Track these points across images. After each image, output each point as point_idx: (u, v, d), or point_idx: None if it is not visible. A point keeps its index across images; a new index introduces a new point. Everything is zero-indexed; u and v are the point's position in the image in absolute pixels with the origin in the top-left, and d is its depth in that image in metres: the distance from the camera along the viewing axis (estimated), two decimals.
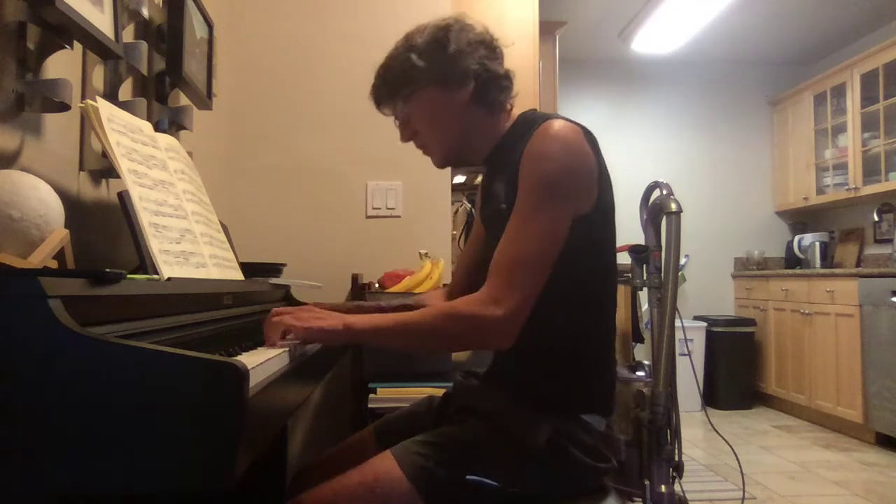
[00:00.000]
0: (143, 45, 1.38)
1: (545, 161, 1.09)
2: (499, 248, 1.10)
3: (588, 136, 1.14)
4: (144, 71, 1.44)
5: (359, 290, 2.25)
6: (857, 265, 4.65)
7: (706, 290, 5.17)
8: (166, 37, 1.55)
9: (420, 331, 1.08)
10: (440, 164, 1.29)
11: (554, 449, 1.08)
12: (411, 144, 1.29)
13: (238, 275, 1.43)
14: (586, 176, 1.12)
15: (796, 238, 5.05)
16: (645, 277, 1.53)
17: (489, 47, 1.21)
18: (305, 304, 1.74)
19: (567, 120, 1.14)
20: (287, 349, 0.97)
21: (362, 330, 1.08)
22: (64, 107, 1.10)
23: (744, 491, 2.86)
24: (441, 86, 1.18)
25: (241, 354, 0.91)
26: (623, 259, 1.52)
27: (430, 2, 2.47)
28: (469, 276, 1.38)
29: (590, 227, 1.13)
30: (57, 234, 0.96)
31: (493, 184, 1.24)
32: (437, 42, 1.18)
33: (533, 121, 1.16)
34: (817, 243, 4.87)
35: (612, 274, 1.21)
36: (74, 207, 1.19)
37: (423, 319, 1.08)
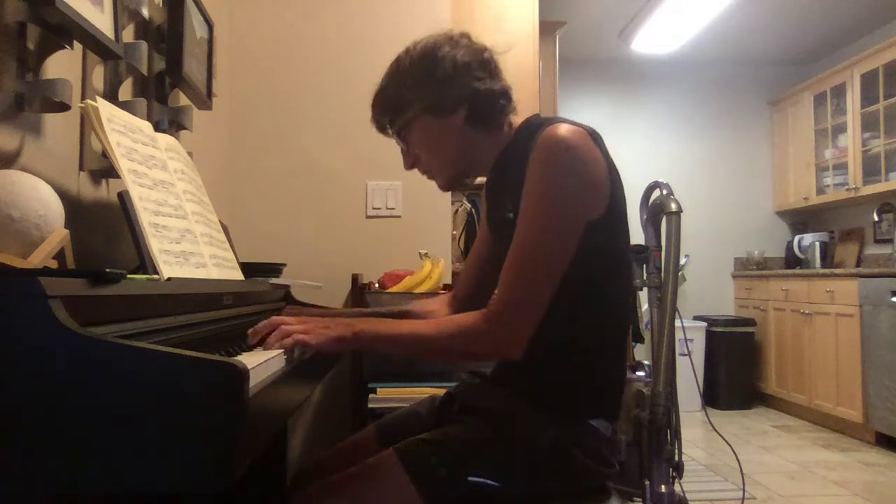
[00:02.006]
0: (143, 45, 1.38)
1: (551, 170, 1.07)
2: (508, 259, 1.08)
3: (594, 137, 1.12)
4: (144, 71, 1.43)
5: (359, 290, 2.24)
6: (857, 265, 4.65)
7: (706, 290, 5.17)
8: (166, 37, 1.55)
9: (430, 343, 1.08)
10: (444, 188, 1.29)
11: (558, 452, 1.08)
12: None
13: (238, 275, 1.43)
14: (596, 182, 1.10)
15: (796, 238, 5.05)
16: (645, 277, 1.53)
17: (481, 65, 1.17)
18: (303, 304, 1.74)
19: (571, 123, 1.11)
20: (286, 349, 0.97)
21: (372, 337, 1.07)
22: (64, 107, 1.10)
23: (744, 491, 2.86)
24: (433, 115, 1.17)
25: (241, 354, 0.91)
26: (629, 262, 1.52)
27: (431, 2, 2.47)
28: (474, 281, 1.37)
29: (602, 232, 1.11)
30: (57, 234, 0.96)
31: (500, 191, 1.22)
32: (425, 69, 1.16)
33: (537, 126, 1.14)
34: (817, 243, 4.87)
35: (625, 278, 1.20)
36: (74, 207, 1.19)
37: (437, 332, 1.08)
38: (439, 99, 1.16)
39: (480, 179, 1.32)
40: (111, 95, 1.38)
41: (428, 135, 1.20)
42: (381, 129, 1.25)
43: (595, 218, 1.10)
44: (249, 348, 0.98)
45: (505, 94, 1.19)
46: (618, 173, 1.15)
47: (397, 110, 1.19)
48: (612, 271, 1.16)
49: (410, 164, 1.26)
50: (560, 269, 1.07)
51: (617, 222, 1.14)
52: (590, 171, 1.09)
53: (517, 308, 1.05)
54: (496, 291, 1.08)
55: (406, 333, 1.09)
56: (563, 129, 1.08)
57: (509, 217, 1.14)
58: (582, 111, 5.09)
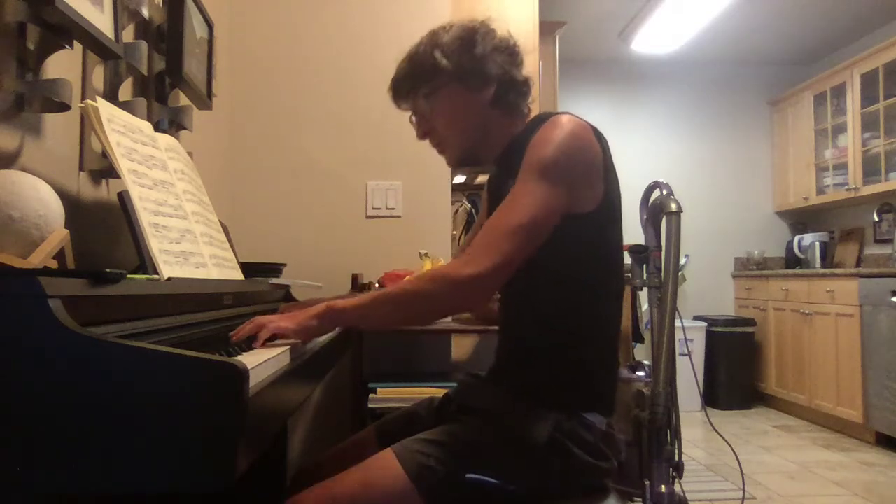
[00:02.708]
0: (143, 45, 1.38)
1: (545, 145, 1.10)
2: (491, 216, 1.11)
3: (596, 133, 1.15)
4: (144, 71, 1.43)
5: (359, 290, 2.25)
6: (857, 265, 4.65)
7: (706, 290, 5.17)
8: (166, 37, 1.55)
9: (397, 297, 1.11)
10: (454, 163, 1.31)
11: (555, 447, 1.08)
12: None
13: (238, 275, 1.43)
14: (587, 166, 1.12)
15: (796, 238, 5.04)
16: (645, 277, 1.53)
17: (511, 53, 1.23)
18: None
19: (576, 116, 1.15)
20: (287, 349, 0.97)
21: (345, 308, 1.10)
22: (64, 107, 1.10)
23: (744, 491, 2.86)
24: (464, 85, 1.20)
25: (241, 354, 0.91)
26: (623, 259, 1.52)
27: (431, 2, 2.47)
28: None
29: (594, 226, 1.13)
30: (57, 234, 0.96)
31: (503, 182, 1.24)
32: (464, 42, 1.20)
33: (544, 118, 1.18)
34: (817, 243, 4.87)
35: (617, 274, 1.21)
36: (74, 207, 1.19)
37: (399, 286, 1.12)
38: (473, 71, 1.19)
39: (481, 179, 1.33)
40: (111, 95, 1.38)
41: (453, 104, 1.22)
42: (403, 93, 1.26)
43: (587, 212, 1.12)
44: (249, 348, 0.98)
45: (526, 84, 1.25)
46: (615, 173, 1.17)
47: (430, 74, 1.21)
48: (603, 267, 1.18)
49: (424, 133, 1.28)
50: (534, 235, 1.08)
51: (609, 219, 1.16)
52: (581, 155, 1.12)
53: (482, 256, 1.05)
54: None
55: (375, 296, 1.12)
56: (567, 118, 1.14)
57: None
58: (582, 111, 4.99)
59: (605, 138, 1.16)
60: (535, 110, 1.31)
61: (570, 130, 1.11)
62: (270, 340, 1.05)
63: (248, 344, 1.01)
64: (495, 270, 1.05)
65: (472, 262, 1.05)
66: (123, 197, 1.02)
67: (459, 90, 1.20)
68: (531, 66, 2.87)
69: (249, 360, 0.82)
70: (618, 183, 1.17)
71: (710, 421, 1.56)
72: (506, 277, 1.07)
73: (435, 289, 1.08)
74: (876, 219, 4.37)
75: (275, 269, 1.90)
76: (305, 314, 1.09)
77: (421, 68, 1.22)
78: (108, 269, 0.74)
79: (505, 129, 1.25)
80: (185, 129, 1.68)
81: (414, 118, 1.29)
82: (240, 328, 1.05)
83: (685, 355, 2.25)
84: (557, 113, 1.17)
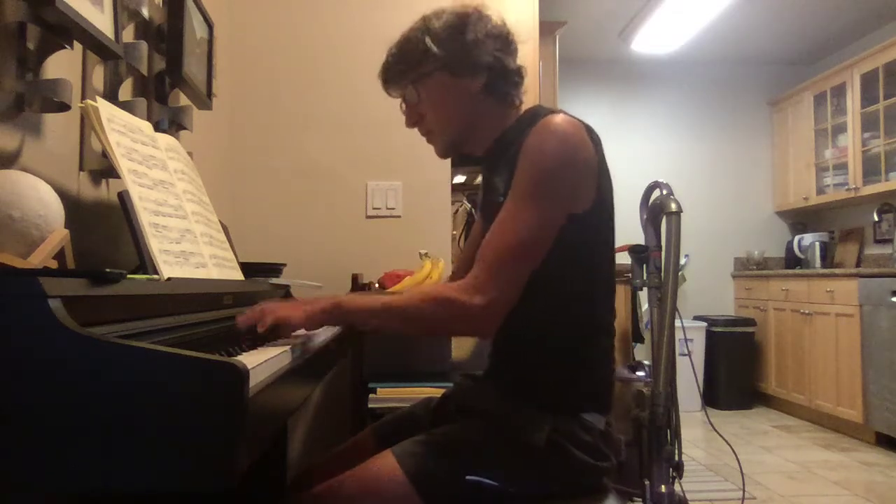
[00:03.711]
0: (143, 45, 1.38)
1: (541, 154, 1.09)
2: (487, 236, 1.10)
3: (589, 131, 1.13)
4: (144, 71, 1.43)
5: (359, 290, 2.25)
6: (857, 265, 4.65)
7: (706, 290, 5.17)
8: (166, 37, 1.55)
9: (405, 312, 1.10)
10: (442, 153, 1.28)
11: (554, 448, 1.08)
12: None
13: (238, 275, 1.43)
14: (584, 171, 1.11)
15: (796, 238, 5.04)
16: (645, 277, 1.53)
17: (504, 41, 1.21)
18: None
19: (569, 115, 1.13)
20: (287, 348, 0.97)
21: (351, 310, 1.11)
22: (64, 107, 1.10)
23: (744, 491, 2.86)
24: (453, 73, 1.18)
25: (241, 354, 0.91)
26: (623, 259, 1.52)
27: (431, 3, 2.47)
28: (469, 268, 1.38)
29: (587, 226, 1.12)
30: (57, 234, 0.96)
31: (493, 177, 1.24)
32: (455, 29, 1.18)
33: (535, 115, 1.16)
34: (817, 243, 4.87)
35: (609, 271, 1.20)
36: (74, 207, 1.19)
37: (409, 302, 1.10)
38: (463, 59, 1.17)
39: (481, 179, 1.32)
40: (111, 95, 1.37)
41: (441, 92, 1.20)
42: (392, 78, 1.24)
43: (580, 211, 1.11)
44: (252, 347, 0.98)
45: (519, 73, 1.23)
46: (608, 172, 1.16)
47: (417, 61, 1.19)
48: (596, 265, 1.17)
49: (413, 122, 1.26)
50: (538, 253, 1.08)
51: (602, 219, 1.15)
52: (578, 160, 1.10)
53: (491, 283, 1.05)
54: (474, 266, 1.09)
55: (384, 304, 1.11)
56: (559, 119, 1.11)
57: (499, 201, 1.15)
58: (581, 111, 5.03)
59: (597, 136, 1.15)
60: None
61: (564, 134, 1.09)
62: (274, 329, 1.05)
63: (251, 341, 1.01)
64: (504, 299, 1.06)
65: (480, 289, 1.05)
66: (123, 197, 1.02)
67: (448, 78, 1.18)
68: (531, 65, 2.88)
69: (249, 360, 0.82)
70: (610, 181, 1.16)
71: (710, 421, 1.56)
72: (514, 302, 1.07)
73: (444, 315, 1.08)
74: (876, 219, 4.37)
75: (275, 269, 1.89)
76: (313, 306, 1.09)
77: (410, 54, 1.20)
78: (108, 269, 0.74)
79: (495, 121, 1.22)
80: (185, 129, 1.68)
81: (404, 105, 1.27)
82: (243, 314, 1.05)
83: (685, 355, 2.25)
84: (549, 111, 1.15)
